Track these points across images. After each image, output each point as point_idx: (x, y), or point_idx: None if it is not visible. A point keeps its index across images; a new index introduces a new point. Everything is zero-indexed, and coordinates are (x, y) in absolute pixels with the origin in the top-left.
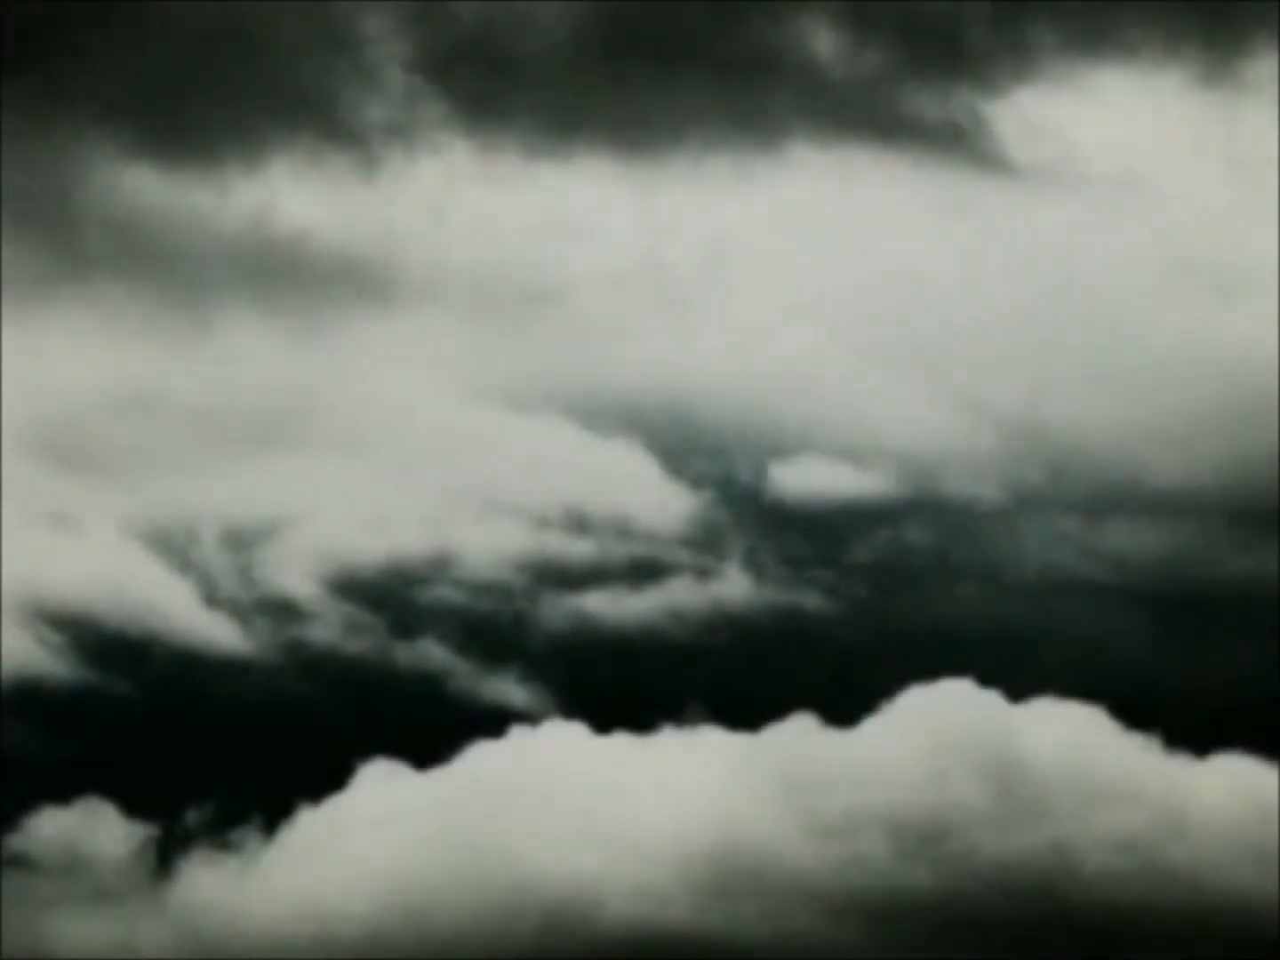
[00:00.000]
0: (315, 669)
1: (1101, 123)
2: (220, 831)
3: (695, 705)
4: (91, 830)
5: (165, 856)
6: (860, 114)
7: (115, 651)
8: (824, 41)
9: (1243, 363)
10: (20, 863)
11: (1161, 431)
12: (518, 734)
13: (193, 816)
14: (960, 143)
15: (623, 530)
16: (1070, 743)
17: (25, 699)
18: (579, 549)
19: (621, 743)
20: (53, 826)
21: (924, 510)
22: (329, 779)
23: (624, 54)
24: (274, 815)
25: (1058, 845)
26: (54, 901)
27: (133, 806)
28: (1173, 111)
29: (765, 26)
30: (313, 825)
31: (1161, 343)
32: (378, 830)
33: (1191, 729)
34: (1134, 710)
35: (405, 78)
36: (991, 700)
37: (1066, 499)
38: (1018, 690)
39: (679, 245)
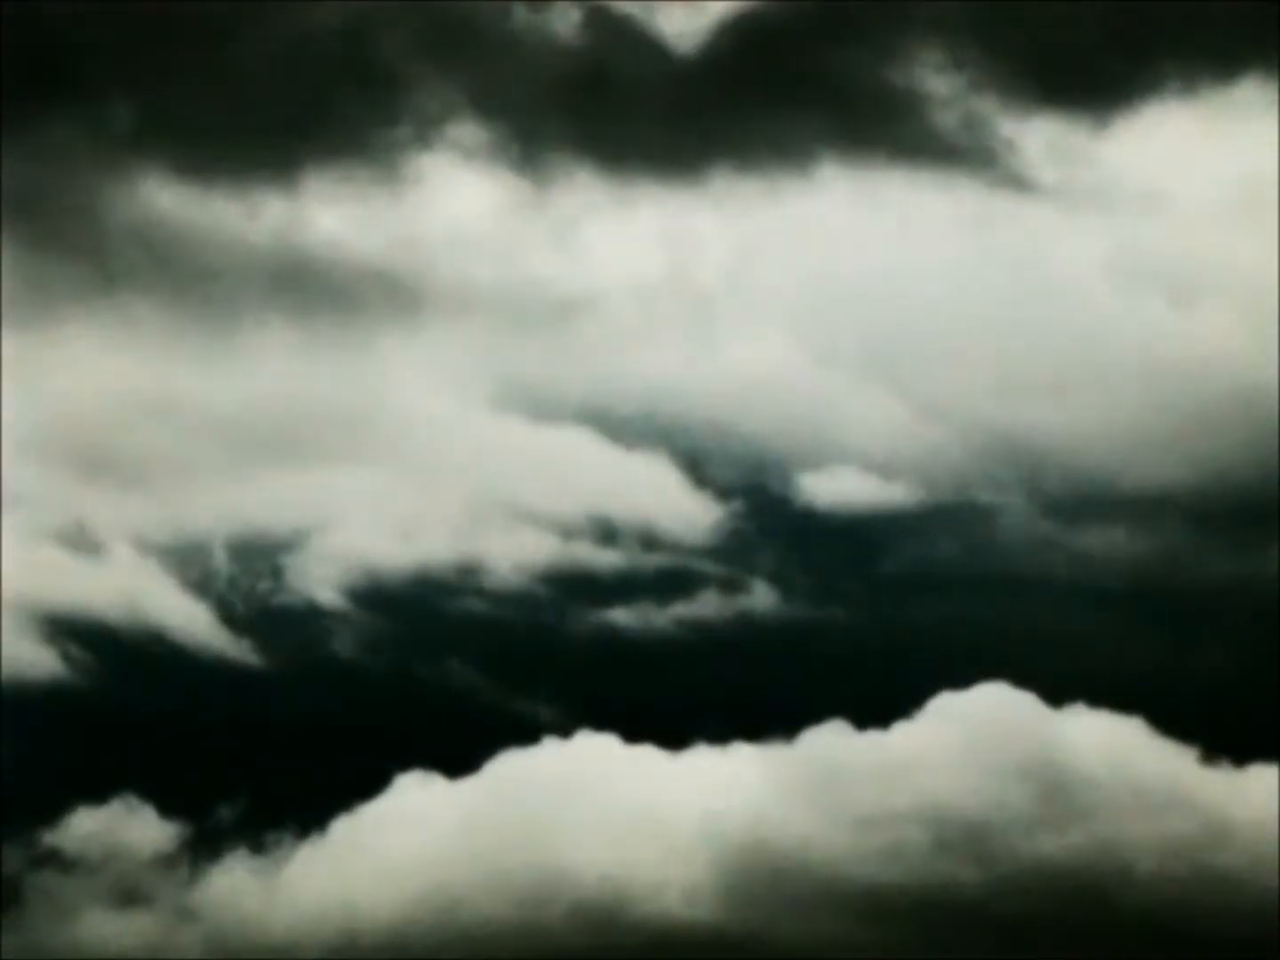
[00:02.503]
0: (342, 680)
1: (1127, 145)
2: (254, 833)
3: (726, 715)
4: (126, 829)
5: (198, 856)
6: (886, 134)
7: (141, 664)
8: (851, 64)
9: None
10: (55, 860)
11: (1187, 440)
12: (549, 744)
13: (227, 816)
14: (986, 163)
15: (649, 540)
16: (1110, 746)
17: (56, 705)
18: (605, 559)
19: (652, 752)
20: (89, 824)
21: (949, 519)
22: (364, 788)
23: (661, 78)
24: (308, 822)
25: (1100, 847)
26: (88, 899)
27: (168, 806)
28: (1198, 135)
29: (795, 52)
30: (344, 831)
31: (1185, 358)
32: (408, 835)
33: (1230, 739)
34: (1172, 718)
35: (429, 92)
36: (1029, 703)
37: (1085, 507)
38: (1054, 695)
39: (704, 258)
